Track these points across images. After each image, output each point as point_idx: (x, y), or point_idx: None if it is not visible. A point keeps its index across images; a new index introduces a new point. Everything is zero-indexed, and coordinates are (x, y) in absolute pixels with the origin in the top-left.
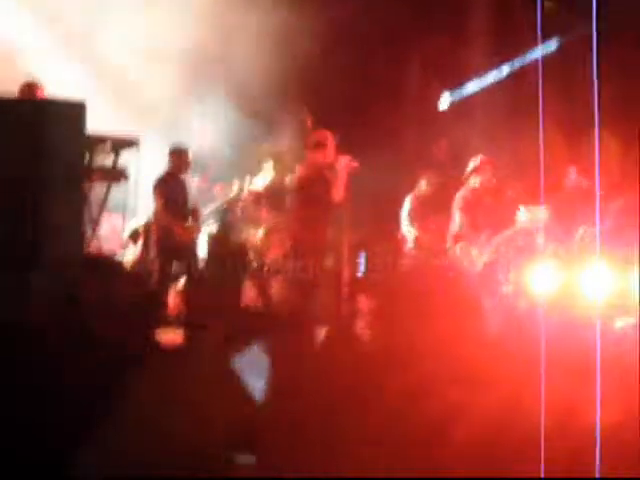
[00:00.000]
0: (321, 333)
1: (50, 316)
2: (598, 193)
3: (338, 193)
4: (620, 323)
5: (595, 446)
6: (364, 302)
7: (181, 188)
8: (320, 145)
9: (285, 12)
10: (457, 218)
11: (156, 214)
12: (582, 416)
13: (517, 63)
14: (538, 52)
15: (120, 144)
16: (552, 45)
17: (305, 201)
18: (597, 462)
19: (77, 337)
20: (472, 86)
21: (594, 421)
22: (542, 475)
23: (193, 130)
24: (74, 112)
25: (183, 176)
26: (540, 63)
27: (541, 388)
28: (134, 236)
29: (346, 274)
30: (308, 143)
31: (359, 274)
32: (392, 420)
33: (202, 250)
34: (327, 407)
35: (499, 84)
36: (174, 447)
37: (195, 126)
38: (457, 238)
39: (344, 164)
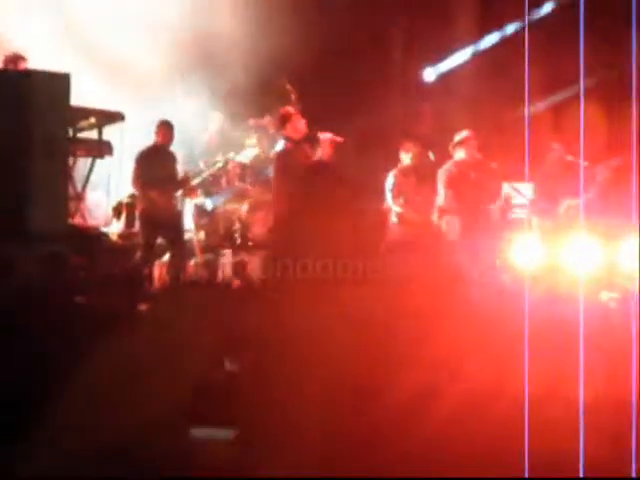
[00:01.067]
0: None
1: (33, 288)
2: (582, 164)
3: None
4: (605, 296)
5: (579, 417)
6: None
7: (167, 160)
8: (286, 119)
9: None
10: (442, 192)
11: (141, 186)
12: (566, 388)
13: (502, 35)
14: (524, 25)
15: (104, 118)
16: (539, 14)
17: (288, 176)
18: (581, 433)
19: (60, 307)
20: (458, 57)
21: (578, 393)
22: (526, 446)
23: (177, 105)
24: (58, 84)
25: (168, 149)
26: (526, 38)
27: (525, 361)
28: (117, 210)
29: None
30: (293, 118)
31: None
32: (375, 387)
33: (188, 221)
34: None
35: (484, 56)
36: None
37: (179, 101)
38: (442, 212)
39: (328, 138)
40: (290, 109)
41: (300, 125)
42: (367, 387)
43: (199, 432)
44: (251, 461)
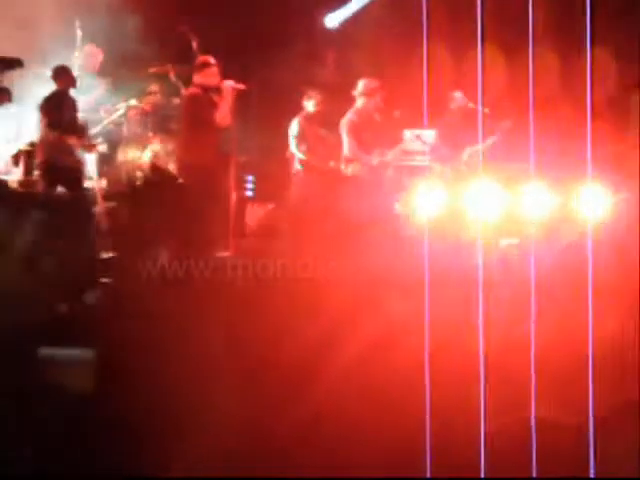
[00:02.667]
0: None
1: None
2: (480, 110)
3: (225, 116)
4: (504, 243)
5: (479, 366)
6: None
7: (68, 106)
8: (205, 67)
9: None
10: (346, 140)
11: (41, 132)
12: (467, 335)
13: None
14: None
15: (2, 65)
16: None
17: (191, 123)
18: (482, 384)
19: None
20: (359, 2)
21: (478, 342)
22: (427, 397)
23: (76, 51)
24: None
25: (69, 94)
26: None
27: (425, 309)
28: (16, 158)
29: (235, 197)
30: (194, 65)
31: (248, 196)
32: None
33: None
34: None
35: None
36: None
37: (82, 50)
38: (348, 160)
39: (230, 86)
40: (210, 58)
41: (214, 74)
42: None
43: None
44: None
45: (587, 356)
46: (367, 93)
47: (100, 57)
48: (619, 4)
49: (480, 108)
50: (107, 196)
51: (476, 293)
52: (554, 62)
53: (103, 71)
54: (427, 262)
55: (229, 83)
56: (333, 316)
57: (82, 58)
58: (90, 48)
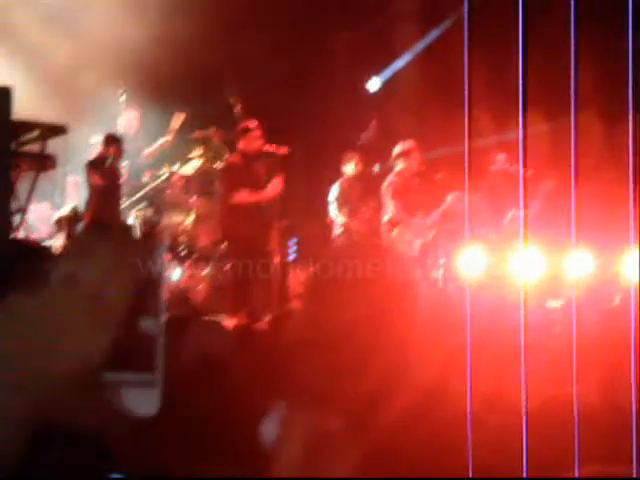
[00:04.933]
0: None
1: None
2: (522, 173)
3: (267, 182)
4: (551, 305)
5: (523, 429)
6: (297, 287)
7: (114, 172)
8: (249, 132)
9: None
10: (388, 204)
11: (88, 197)
12: (510, 398)
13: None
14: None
15: (48, 131)
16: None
17: (235, 188)
18: (524, 445)
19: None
20: (399, 66)
21: (522, 403)
22: (469, 455)
23: (122, 118)
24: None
25: (116, 163)
26: (465, 49)
27: (468, 372)
28: (60, 223)
29: (277, 260)
30: (238, 130)
31: (290, 259)
32: (319, 404)
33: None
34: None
35: (428, 63)
36: None
37: (124, 114)
38: (391, 224)
39: (274, 151)
40: (251, 123)
41: (258, 139)
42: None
43: None
44: None
45: (630, 420)
46: (404, 154)
47: (138, 121)
48: None
49: (522, 171)
50: None
51: (518, 354)
52: (598, 126)
53: (147, 135)
54: (470, 324)
55: (272, 147)
56: (375, 380)
57: (124, 122)
58: (131, 112)
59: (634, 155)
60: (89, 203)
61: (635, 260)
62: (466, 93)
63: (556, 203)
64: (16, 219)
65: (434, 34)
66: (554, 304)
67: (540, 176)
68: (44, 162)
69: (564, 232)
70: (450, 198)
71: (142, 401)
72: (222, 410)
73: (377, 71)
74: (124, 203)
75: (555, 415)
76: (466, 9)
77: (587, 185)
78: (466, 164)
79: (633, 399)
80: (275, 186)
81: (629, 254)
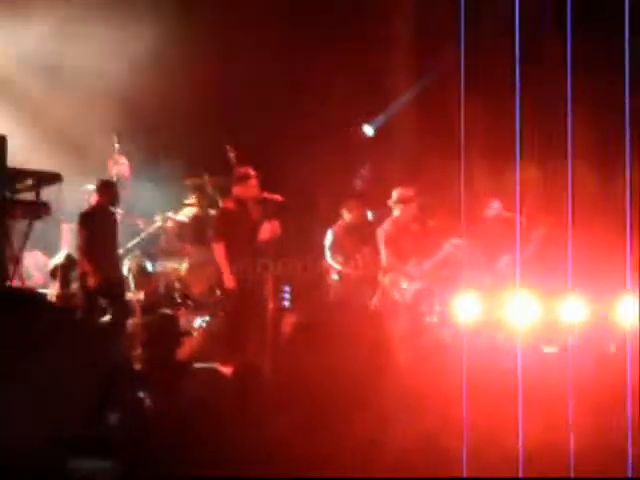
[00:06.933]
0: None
1: None
2: (518, 220)
3: (262, 229)
4: (545, 350)
5: (517, 471)
6: (288, 334)
7: (109, 221)
8: (246, 179)
9: (203, 45)
10: (383, 250)
11: (82, 247)
12: (505, 441)
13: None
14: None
15: (42, 179)
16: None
17: (229, 234)
18: None
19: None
20: (394, 111)
21: (517, 444)
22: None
23: (115, 166)
24: None
25: (111, 209)
26: (462, 91)
27: (463, 415)
28: (54, 272)
29: (272, 306)
30: (234, 177)
31: (285, 306)
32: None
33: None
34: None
35: (423, 109)
36: None
37: (116, 162)
38: (385, 270)
39: (270, 198)
40: (250, 170)
41: (254, 186)
42: None
43: None
44: None
45: (626, 464)
46: (402, 201)
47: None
48: None
49: (518, 217)
50: (145, 308)
51: (515, 397)
52: (592, 174)
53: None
54: (465, 368)
55: (268, 195)
56: (370, 427)
57: (117, 169)
58: (123, 159)
59: (631, 201)
60: (82, 251)
61: (630, 306)
62: (462, 140)
63: (549, 249)
64: (11, 266)
65: (428, 79)
66: (549, 349)
67: (533, 222)
68: (39, 209)
69: (558, 278)
70: (446, 245)
71: None
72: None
73: (371, 117)
74: (117, 250)
75: (550, 458)
76: (462, 57)
77: (581, 231)
78: (462, 210)
79: (629, 444)
80: (270, 231)
81: (623, 300)
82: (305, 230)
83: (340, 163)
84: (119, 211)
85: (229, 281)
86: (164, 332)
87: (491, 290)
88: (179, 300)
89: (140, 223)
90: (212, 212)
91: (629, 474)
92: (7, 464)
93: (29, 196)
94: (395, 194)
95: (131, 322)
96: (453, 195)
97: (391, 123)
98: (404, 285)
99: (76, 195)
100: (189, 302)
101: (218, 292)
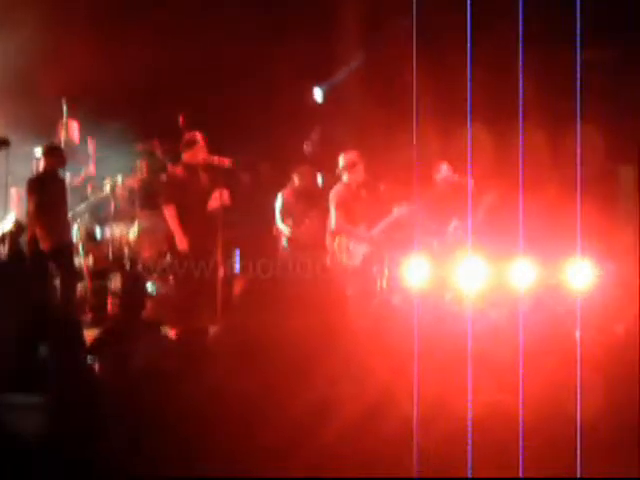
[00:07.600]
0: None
1: None
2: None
3: (211, 194)
4: (493, 315)
5: (467, 435)
6: (237, 298)
7: (58, 186)
8: (193, 144)
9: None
10: (332, 214)
11: (32, 212)
12: (455, 406)
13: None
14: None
15: None
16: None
17: (178, 200)
18: (469, 452)
19: None
20: (343, 76)
21: (467, 411)
22: (415, 469)
23: (63, 130)
24: None
25: (58, 173)
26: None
27: (414, 381)
28: (2, 238)
29: (222, 272)
30: (181, 142)
31: (235, 272)
32: (258, 415)
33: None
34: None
35: (372, 73)
36: None
37: (65, 126)
38: (334, 233)
39: (216, 162)
40: (197, 135)
41: (202, 151)
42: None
43: None
44: None
45: (576, 423)
46: (349, 164)
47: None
48: (607, 83)
49: (469, 180)
50: (94, 273)
51: (465, 361)
52: (543, 137)
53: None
54: (416, 332)
55: (215, 159)
56: (320, 384)
57: (65, 133)
58: (72, 122)
59: (580, 163)
60: (32, 216)
61: (579, 269)
62: (414, 103)
63: (499, 213)
64: None
65: (378, 42)
66: (498, 312)
67: (483, 186)
68: None
69: (507, 241)
70: (395, 209)
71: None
72: (162, 418)
73: (321, 80)
74: (67, 215)
75: (500, 422)
76: (414, 17)
77: (531, 195)
78: (415, 173)
79: (578, 405)
80: (219, 197)
81: (573, 263)
82: (254, 195)
83: (290, 128)
84: (67, 175)
85: (182, 242)
86: (134, 291)
87: (440, 254)
88: (128, 265)
89: (89, 188)
90: (162, 177)
91: (578, 435)
92: None
93: None
94: (341, 160)
95: (80, 286)
96: (403, 159)
97: (341, 87)
98: (351, 247)
99: (26, 160)
100: (138, 267)
101: (168, 257)
